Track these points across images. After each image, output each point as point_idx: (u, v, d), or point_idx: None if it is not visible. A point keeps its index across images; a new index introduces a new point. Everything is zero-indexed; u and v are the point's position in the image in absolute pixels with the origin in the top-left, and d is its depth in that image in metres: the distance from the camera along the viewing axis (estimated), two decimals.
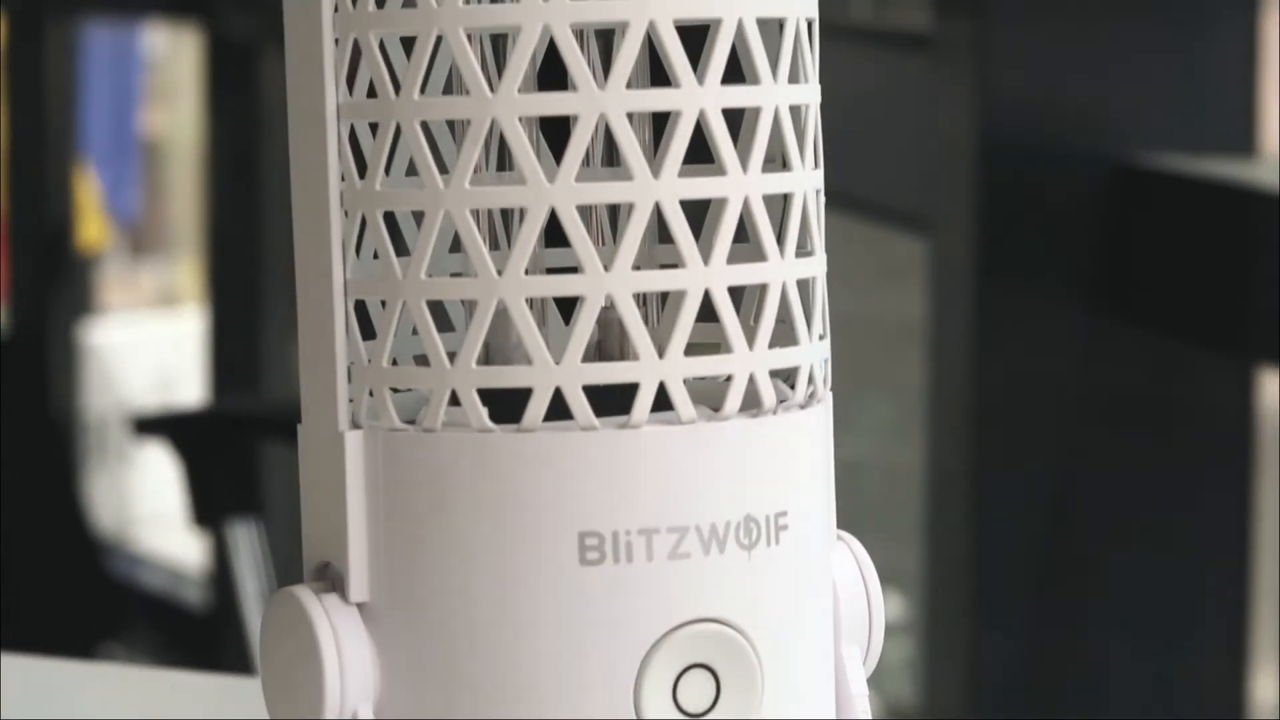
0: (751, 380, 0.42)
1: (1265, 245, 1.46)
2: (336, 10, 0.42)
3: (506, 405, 0.41)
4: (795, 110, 0.43)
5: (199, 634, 2.89)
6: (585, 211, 0.41)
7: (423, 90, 0.42)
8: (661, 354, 0.41)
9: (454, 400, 0.41)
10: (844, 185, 1.77)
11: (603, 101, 0.41)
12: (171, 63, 3.99)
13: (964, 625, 1.59)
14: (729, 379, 0.42)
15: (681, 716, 0.41)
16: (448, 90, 0.44)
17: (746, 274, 0.42)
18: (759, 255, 0.42)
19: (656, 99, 0.41)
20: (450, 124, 0.43)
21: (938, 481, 1.61)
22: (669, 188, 0.41)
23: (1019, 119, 1.54)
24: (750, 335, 0.42)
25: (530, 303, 0.41)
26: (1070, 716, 1.58)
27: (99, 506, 3.33)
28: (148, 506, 3.48)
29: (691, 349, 0.41)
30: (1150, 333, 1.55)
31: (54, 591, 1.74)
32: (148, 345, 3.81)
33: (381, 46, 0.42)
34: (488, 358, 0.42)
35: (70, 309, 3.63)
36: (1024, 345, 1.55)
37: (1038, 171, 1.53)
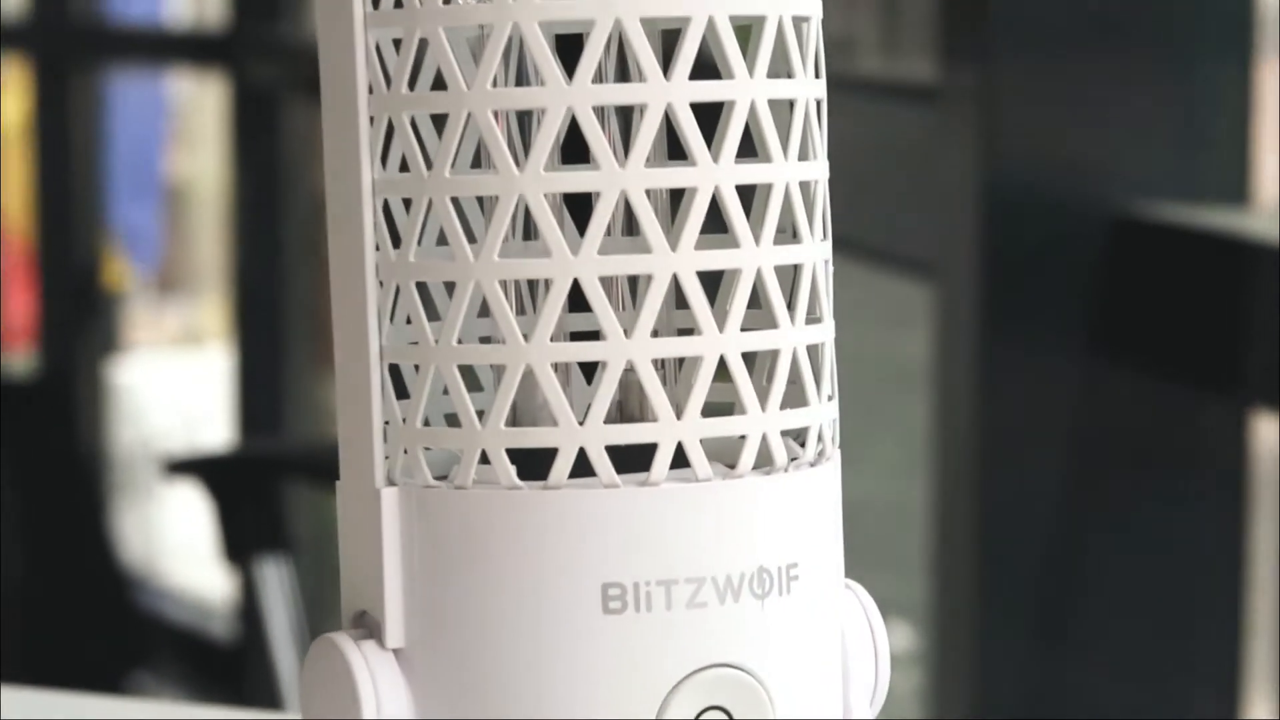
0: (764, 440, 0.42)
1: (1260, 293, 1.47)
2: (371, 91, 0.42)
3: (534, 463, 0.41)
4: (805, 186, 0.43)
5: (226, 668, 2.88)
6: (607, 280, 0.41)
7: (453, 163, 0.42)
8: (679, 415, 0.41)
9: (484, 459, 0.42)
10: (853, 232, 1.79)
11: (623, 179, 0.41)
12: (196, 109, 3.98)
13: (969, 656, 1.59)
14: (743, 438, 0.42)
15: None
16: (476, 162, 0.44)
17: (759, 340, 0.42)
18: (771, 323, 0.42)
19: (674, 177, 0.41)
20: (479, 197, 0.43)
21: (943, 518, 1.61)
22: (686, 260, 0.41)
23: (1022, 169, 1.54)
24: (763, 397, 0.42)
25: (555, 366, 0.41)
26: None
27: (126, 541, 3.33)
28: (174, 541, 3.47)
29: (707, 409, 0.42)
30: (1149, 377, 1.55)
31: (82, 625, 1.74)
32: (173, 383, 3.80)
33: (413, 123, 0.42)
34: (515, 419, 0.42)
35: (97, 348, 3.62)
36: (1026, 388, 1.55)
37: (1040, 220, 1.53)
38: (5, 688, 0.71)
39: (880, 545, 2.01)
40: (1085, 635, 1.59)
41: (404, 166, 0.42)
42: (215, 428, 3.43)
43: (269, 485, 1.70)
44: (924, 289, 1.63)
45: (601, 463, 0.41)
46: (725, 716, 0.41)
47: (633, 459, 0.41)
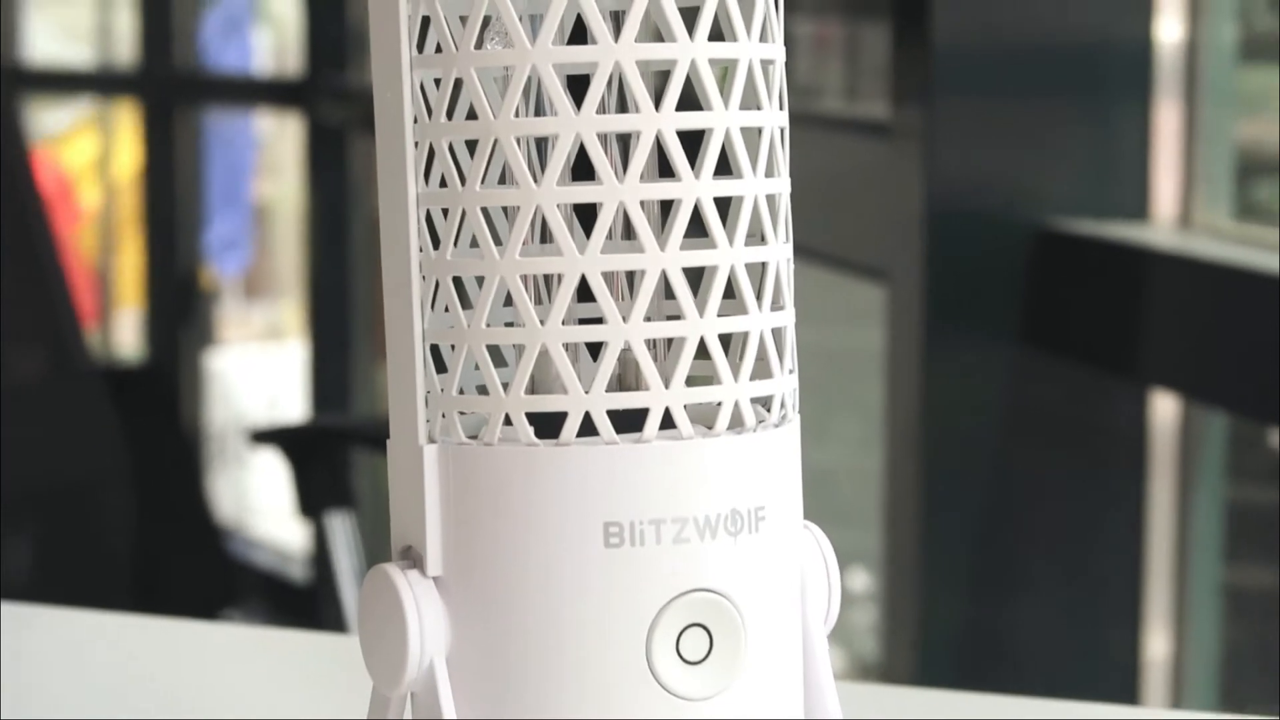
0: (736, 405, 0.42)
1: (1158, 293, 1.47)
2: (416, 121, 0.42)
3: (548, 424, 0.41)
4: (771, 198, 0.43)
5: (301, 602, 2.89)
6: (608, 275, 0.41)
7: (483, 179, 0.42)
8: (667, 385, 0.41)
9: (507, 421, 0.41)
10: (818, 243, 1.79)
11: (621, 192, 0.41)
12: (277, 142, 3.97)
13: (915, 596, 1.59)
14: (719, 404, 0.42)
15: (683, 664, 0.41)
16: (502, 179, 0.43)
17: (733, 324, 0.42)
18: (742, 310, 0.42)
19: (664, 190, 0.41)
20: (504, 207, 0.43)
21: (894, 482, 1.61)
22: (673, 258, 0.41)
23: (959, 191, 1.54)
24: (735, 371, 0.42)
25: (565, 345, 0.41)
26: (1001, 669, 1.58)
27: (220, 500, 3.33)
28: (259, 499, 3.47)
29: (690, 380, 0.42)
30: (1065, 363, 1.55)
31: (184, 569, 1.74)
32: (258, 369, 3.79)
33: (450, 148, 0.42)
34: (533, 388, 0.42)
35: (196, 341, 3.63)
36: (962, 373, 1.55)
37: (973, 233, 1.53)
38: (126, 616, 0.71)
39: (843, 504, 2.01)
40: (1011, 578, 1.59)
41: (443, 183, 0.42)
42: (291, 405, 3.44)
43: (336, 452, 1.70)
44: (878, 291, 1.63)
45: (603, 424, 0.41)
46: (704, 631, 0.41)
47: (628, 421, 0.41)
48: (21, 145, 1.20)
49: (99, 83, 4.20)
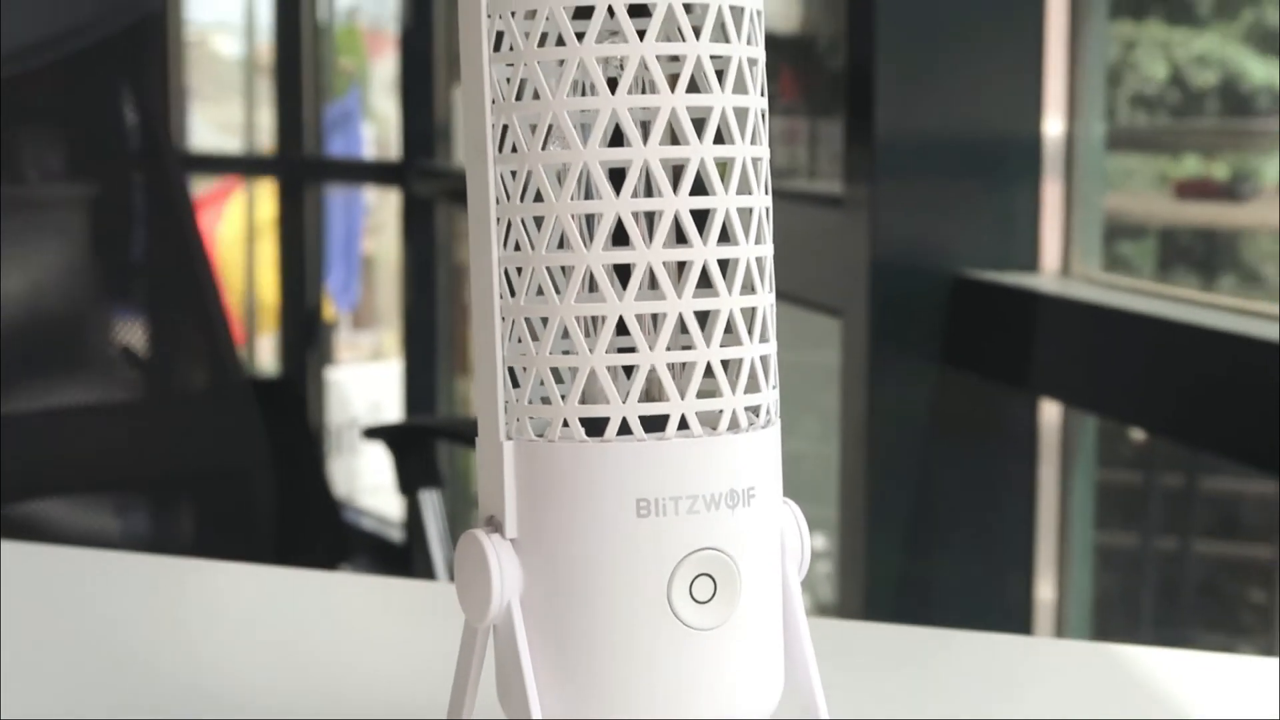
0: (734, 412, 0.41)
1: (1045, 326, 1.47)
2: (498, 202, 0.41)
3: (594, 426, 0.41)
4: (759, 259, 0.42)
5: (398, 558, 2.88)
6: (640, 316, 0.40)
7: (546, 246, 0.40)
8: (682, 397, 0.41)
9: (564, 424, 0.41)
10: (790, 288, 1.79)
11: (649, 255, 0.40)
12: (381, 209, 3.98)
13: (861, 553, 1.59)
14: (721, 411, 0.41)
15: (694, 603, 0.41)
16: (561, 245, 0.41)
17: (732, 352, 0.41)
18: (738, 341, 0.42)
19: (681, 254, 0.40)
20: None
21: (846, 467, 1.61)
22: (687, 304, 0.41)
23: (895, 249, 1.54)
24: (733, 386, 0.41)
25: (608, 368, 0.41)
26: (928, 608, 1.57)
27: (337, 480, 3.33)
28: (367, 480, 3.47)
29: (699, 394, 0.41)
30: (975, 377, 1.55)
31: (310, 533, 1.73)
32: (365, 381, 3.79)
33: (523, 222, 0.41)
34: (584, 399, 0.41)
35: (319, 359, 3.63)
36: (898, 385, 1.55)
37: (905, 280, 1.53)
38: (268, 568, 0.71)
39: (808, 483, 2.01)
40: (934, 540, 1.58)
41: (517, 248, 0.41)
42: (390, 409, 3.44)
43: (425, 444, 1.70)
44: (834, 323, 1.63)
45: (635, 426, 0.41)
46: (710, 579, 0.41)
47: (654, 424, 0.41)
48: (189, 211, 1.21)
49: (245, 164, 4.20)
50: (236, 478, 1.27)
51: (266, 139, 3.86)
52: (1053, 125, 1.54)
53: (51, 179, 1.20)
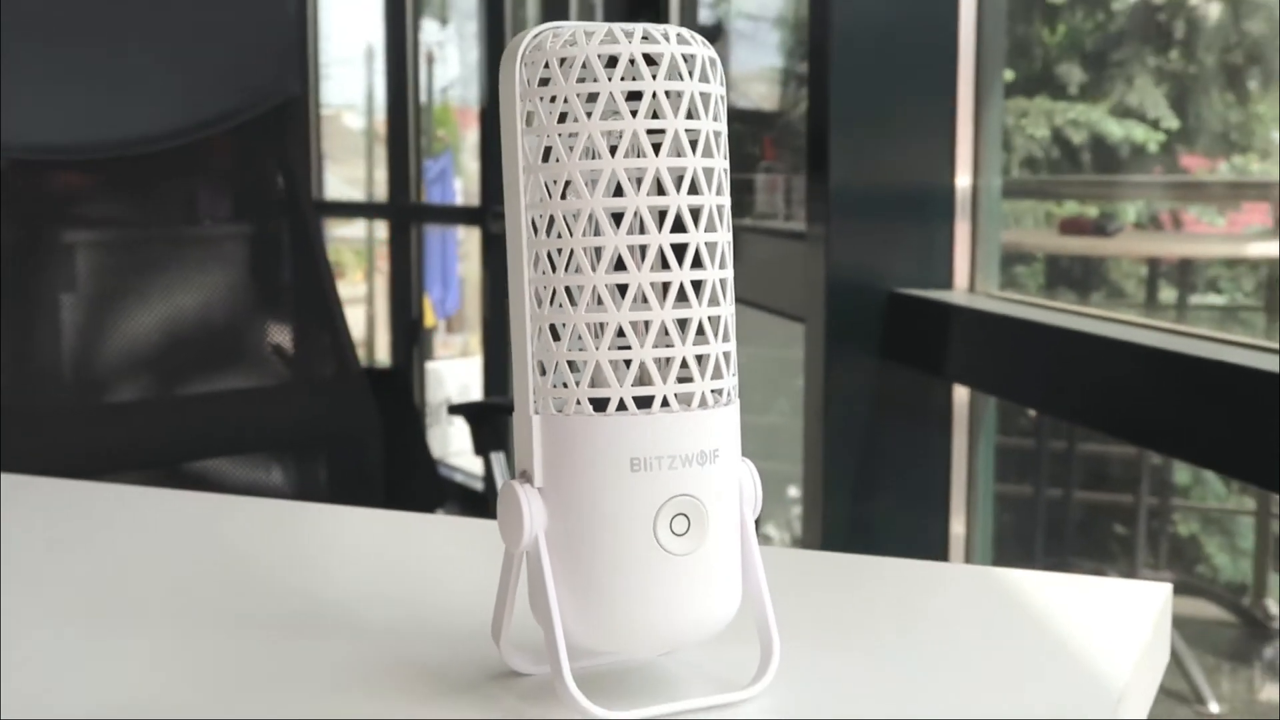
0: (704, 394, 0.41)
1: (958, 330, 1.46)
2: (527, 237, 0.40)
3: (600, 404, 0.40)
4: (722, 280, 0.41)
5: (479, 502, 2.89)
6: (635, 323, 0.40)
7: (565, 269, 0.39)
8: (665, 382, 0.40)
9: (578, 402, 0.40)
10: (767, 300, 1.77)
11: (640, 278, 0.39)
12: (467, 241, 3.99)
13: (820, 503, 1.58)
14: (694, 393, 0.41)
15: (673, 535, 0.40)
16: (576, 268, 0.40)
17: (703, 350, 0.41)
18: (707, 341, 0.41)
19: (664, 277, 0.40)
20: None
21: (808, 435, 1.61)
22: (669, 314, 0.40)
23: (845, 272, 1.53)
24: (703, 374, 0.41)
25: (611, 361, 0.40)
26: (869, 540, 1.57)
27: (432, 445, 3.33)
28: (455, 445, 3.48)
29: (679, 380, 0.40)
30: (907, 369, 1.55)
31: (408, 488, 1.74)
32: (455, 372, 3.80)
33: (548, 254, 0.40)
34: (592, 383, 0.40)
35: (422, 355, 3.64)
36: (848, 374, 1.54)
37: (854, 296, 1.52)
38: (379, 511, 0.70)
39: (780, 449, 2.00)
40: (874, 490, 1.58)
41: (543, 271, 0.40)
42: (474, 392, 3.44)
43: (496, 418, 1.71)
44: (800, 327, 1.63)
45: (630, 404, 0.40)
46: (685, 518, 0.40)
47: (644, 403, 0.40)
48: (321, 246, 1.21)
49: (365, 209, 4.21)
50: (357, 443, 1.27)
51: (381, 190, 3.87)
52: (962, 178, 1.54)
53: (220, 222, 1.21)
